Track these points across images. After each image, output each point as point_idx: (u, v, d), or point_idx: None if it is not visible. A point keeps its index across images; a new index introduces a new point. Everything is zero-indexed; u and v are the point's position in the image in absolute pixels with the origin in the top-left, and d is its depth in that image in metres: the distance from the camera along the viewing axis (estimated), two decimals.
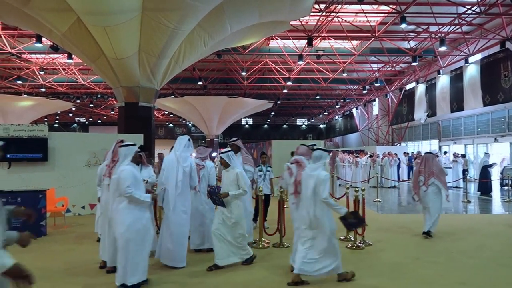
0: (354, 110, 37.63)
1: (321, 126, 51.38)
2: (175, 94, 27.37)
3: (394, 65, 22.81)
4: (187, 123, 43.62)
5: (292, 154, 6.39)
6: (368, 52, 20.11)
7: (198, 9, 9.08)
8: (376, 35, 16.92)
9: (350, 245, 6.17)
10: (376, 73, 24.34)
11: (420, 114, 23.25)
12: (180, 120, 40.03)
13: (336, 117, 44.76)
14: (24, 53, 19.79)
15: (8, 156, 8.56)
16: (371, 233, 6.79)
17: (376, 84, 25.34)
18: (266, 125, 49.28)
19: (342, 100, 32.44)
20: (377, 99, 32.29)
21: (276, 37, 18.11)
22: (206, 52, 11.91)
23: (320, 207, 4.33)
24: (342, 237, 6.74)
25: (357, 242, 6.20)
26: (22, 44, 18.45)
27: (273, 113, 41.93)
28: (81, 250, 6.07)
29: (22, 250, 2.30)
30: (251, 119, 46.83)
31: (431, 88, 21.96)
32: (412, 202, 10.42)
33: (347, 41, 18.87)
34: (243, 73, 22.88)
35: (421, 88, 23.19)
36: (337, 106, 35.89)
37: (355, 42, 19.59)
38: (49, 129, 9.13)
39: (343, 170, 17.91)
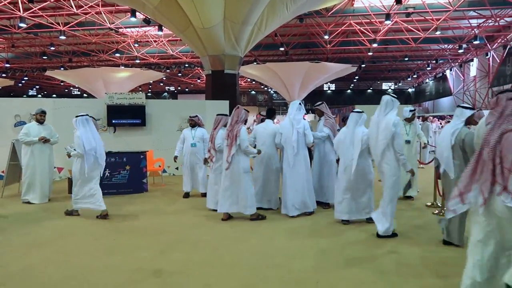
0: (447, 72, 34.58)
1: (409, 90, 48.21)
2: (257, 61, 27.66)
3: (498, 19, 20.28)
4: (269, 90, 44.04)
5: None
6: (466, 6, 18.13)
7: None
8: None
9: (437, 212, 5.98)
10: (475, 29, 21.92)
11: None
12: (262, 87, 40.54)
13: (427, 80, 41.54)
14: (121, 28, 21.44)
15: (114, 121, 9.63)
16: None
17: (475, 42, 22.85)
18: (349, 90, 47.68)
19: (434, 62, 29.94)
20: (475, 59, 29.20)
21: None
22: (288, 17, 11.84)
23: None
24: (428, 203, 6.55)
25: (444, 209, 5.98)
26: (119, 19, 19.99)
27: (357, 77, 40.29)
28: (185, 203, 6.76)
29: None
30: (334, 84, 45.57)
31: None
32: None
33: None
34: (326, 37, 22.22)
35: None
36: (428, 68, 33.27)
37: None
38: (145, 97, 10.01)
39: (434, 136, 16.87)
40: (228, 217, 5.70)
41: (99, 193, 5.82)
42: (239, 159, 5.51)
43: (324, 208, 6.31)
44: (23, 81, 36.96)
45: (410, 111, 7.04)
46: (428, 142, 9.11)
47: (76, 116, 5.87)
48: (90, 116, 6.26)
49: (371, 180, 5.38)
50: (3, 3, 16.54)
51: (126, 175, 7.63)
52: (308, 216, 5.85)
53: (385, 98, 4.79)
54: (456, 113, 4.32)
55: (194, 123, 7.44)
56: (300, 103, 5.97)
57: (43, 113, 7.04)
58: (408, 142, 6.89)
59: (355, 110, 5.52)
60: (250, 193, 5.59)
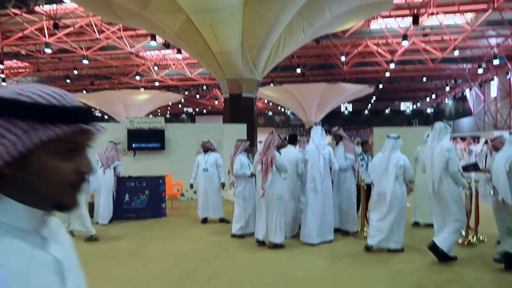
0: (467, 92, 34.08)
1: (428, 110, 47.57)
2: (274, 82, 27.86)
3: None
4: (286, 111, 44.15)
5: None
6: (485, 25, 17.96)
7: None
8: (496, 5, 15.03)
9: (461, 241, 5.77)
10: (494, 48, 21.65)
11: None
12: (279, 108, 40.69)
13: (446, 100, 41.00)
14: (141, 51, 22.00)
15: (134, 145, 9.75)
16: (485, 229, 6.23)
17: (495, 62, 22.53)
18: (367, 111, 47.34)
19: (453, 81, 29.59)
20: (495, 79, 28.73)
21: (378, 17, 17.23)
22: (305, 40, 11.94)
23: None
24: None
25: (469, 237, 5.78)
26: (139, 43, 20.53)
27: (374, 98, 40.07)
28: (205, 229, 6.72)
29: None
30: (351, 104, 45.39)
31: None
32: None
33: (459, 15, 17.11)
34: (343, 58, 22.28)
35: None
36: (447, 88, 32.87)
37: (468, 16, 17.66)
38: (164, 121, 10.15)
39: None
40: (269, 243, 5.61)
41: (87, 216, 6.04)
42: (273, 185, 5.46)
43: (343, 236, 6.17)
44: None
45: (429, 135, 6.86)
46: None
47: None
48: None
49: (405, 207, 5.31)
50: (30, 30, 17.22)
51: (145, 200, 7.66)
52: (328, 243, 5.72)
53: (438, 125, 4.98)
54: (509, 140, 4.51)
55: (206, 148, 7.46)
56: (321, 129, 6.03)
57: None
58: None
59: (391, 135, 5.47)
60: (281, 221, 5.52)
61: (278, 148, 5.75)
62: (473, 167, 7.69)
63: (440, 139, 4.85)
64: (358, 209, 6.96)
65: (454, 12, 16.94)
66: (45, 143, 0.72)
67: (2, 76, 23.98)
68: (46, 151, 0.73)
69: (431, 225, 6.80)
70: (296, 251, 5.40)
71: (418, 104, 45.77)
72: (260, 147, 5.88)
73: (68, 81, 27.45)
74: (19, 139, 0.70)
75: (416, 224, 6.93)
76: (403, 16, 17.04)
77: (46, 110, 0.72)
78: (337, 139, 6.54)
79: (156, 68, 24.77)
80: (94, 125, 0.78)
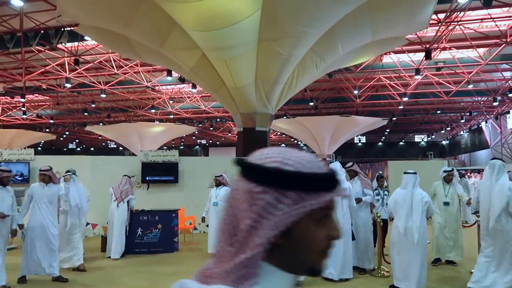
0: (483, 124, 33.71)
1: (443, 142, 47.10)
2: (287, 115, 28.08)
3: None
4: (299, 143, 44.20)
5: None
6: (499, 59, 18.00)
7: (310, 35, 9.33)
8: (508, 40, 15.10)
9: None
10: (509, 81, 21.57)
11: None
12: (292, 139, 40.78)
13: (461, 132, 40.56)
14: (157, 85, 22.57)
15: (147, 178, 9.83)
16: None
17: (510, 95, 22.41)
18: (380, 143, 47.10)
19: (468, 114, 29.37)
20: (511, 111, 28.46)
21: (390, 52, 17.43)
22: (318, 75, 12.09)
23: None
24: (473, 270, 6.11)
25: None
26: (155, 78, 21.10)
27: (388, 130, 39.93)
28: None
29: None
30: (364, 136, 45.27)
31: None
32: None
33: (471, 49, 17.22)
34: (355, 91, 22.44)
35: None
36: (462, 121, 32.60)
37: (481, 50, 17.75)
38: (179, 154, 10.25)
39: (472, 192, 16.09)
40: None
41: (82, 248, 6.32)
42: None
43: (360, 274, 6.00)
44: (64, 136, 38.94)
45: (445, 171, 6.75)
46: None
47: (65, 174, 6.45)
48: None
49: (426, 244, 5.30)
50: (51, 65, 17.90)
51: (157, 234, 7.64)
52: (347, 281, 5.59)
53: (496, 163, 5.02)
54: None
55: (219, 182, 7.48)
56: (340, 165, 6.19)
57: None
58: (446, 204, 6.58)
59: (409, 171, 5.46)
60: None
61: None
62: None
63: (499, 177, 4.92)
64: (374, 245, 6.81)
65: (466, 48, 17.09)
66: (310, 212, 0.73)
67: (23, 109, 24.74)
68: (308, 219, 0.74)
69: (450, 262, 6.60)
70: None
71: (433, 136, 45.36)
72: None
73: (85, 114, 28.16)
74: (290, 209, 0.72)
75: (436, 261, 6.72)
76: (415, 51, 17.22)
77: (312, 179, 0.73)
78: (352, 174, 6.49)
79: (171, 101, 25.30)
80: (339, 188, 0.78)
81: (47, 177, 6.08)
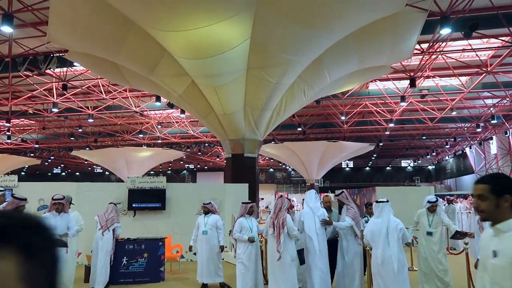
0: (467, 150, 34.34)
1: (429, 167, 47.72)
2: (275, 140, 28.22)
3: None
4: (287, 168, 44.25)
5: None
6: (480, 88, 18.53)
7: (298, 63, 9.52)
8: (489, 69, 15.62)
9: None
10: (491, 109, 22.17)
11: None
12: (281, 164, 40.83)
13: (447, 158, 41.23)
14: (146, 110, 22.55)
15: (134, 205, 9.67)
16: None
17: (493, 121, 23.00)
18: (368, 168, 47.48)
19: (453, 140, 29.94)
20: (494, 137, 29.12)
21: (376, 80, 17.84)
22: (306, 101, 12.27)
23: None
24: None
25: None
26: (144, 103, 21.10)
27: (375, 155, 40.38)
28: None
29: None
30: (352, 161, 45.64)
31: None
32: None
33: (454, 78, 17.74)
34: (343, 117, 22.75)
35: None
36: (447, 146, 33.20)
37: (463, 78, 18.29)
38: (166, 179, 10.14)
39: (459, 218, 16.19)
40: None
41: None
42: (287, 247, 5.59)
43: None
44: (49, 160, 38.31)
45: (429, 202, 6.71)
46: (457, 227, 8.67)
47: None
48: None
49: (407, 272, 5.29)
50: (39, 90, 17.80)
51: (143, 263, 7.45)
52: None
53: None
54: None
55: (207, 210, 7.35)
56: (315, 192, 6.22)
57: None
58: (429, 234, 6.57)
59: (381, 200, 5.51)
60: (296, 283, 5.61)
61: (288, 210, 5.95)
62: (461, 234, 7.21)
63: None
64: (364, 273, 6.75)
65: (449, 76, 17.60)
66: None
67: (8, 133, 24.38)
68: None
69: None
70: None
71: (419, 161, 45.96)
72: (270, 211, 6.05)
73: (72, 138, 27.87)
74: None
75: None
76: (400, 79, 17.66)
77: None
78: (340, 203, 6.52)
79: (159, 126, 25.26)
80: None
81: (61, 206, 5.99)
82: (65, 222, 5.97)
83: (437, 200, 6.76)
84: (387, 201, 5.43)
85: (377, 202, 5.51)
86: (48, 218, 5.74)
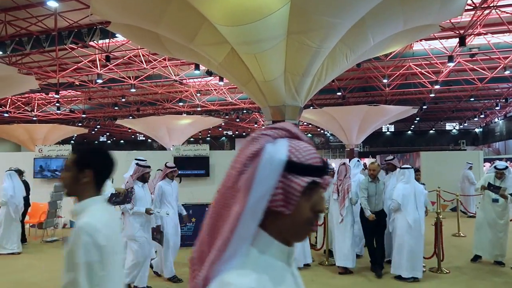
0: None
1: (476, 130, 45.50)
2: (314, 105, 27.86)
3: None
4: (326, 133, 43.80)
5: None
6: None
7: (340, 26, 9.19)
8: None
9: None
10: None
11: None
12: (319, 130, 40.48)
13: (496, 120, 39.08)
14: (185, 79, 22.84)
15: (180, 172, 10.02)
16: None
17: None
18: (410, 131, 45.98)
19: (504, 100, 28.25)
20: None
21: (422, 39, 16.92)
22: (347, 66, 11.92)
23: None
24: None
25: None
26: (183, 72, 21.35)
27: (418, 118, 38.92)
28: None
29: None
30: (393, 125, 44.29)
31: None
32: None
33: (508, 34, 16.49)
34: (384, 80, 21.97)
35: None
36: (497, 108, 31.40)
37: None
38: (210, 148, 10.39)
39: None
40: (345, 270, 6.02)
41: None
42: (348, 212, 5.98)
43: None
44: (95, 129, 40.11)
45: (496, 167, 6.39)
46: None
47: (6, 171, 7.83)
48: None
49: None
50: (83, 62, 18.42)
51: (191, 228, 7.81)
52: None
53: None
54: None
55: None
56: (358, 160, 7.06)
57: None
58: (495, 200, 6.35)
59: (406, 166, 5.90)
60: (353, 244, 6.03)
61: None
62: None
63: None
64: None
65: (503, 32, 16.38)
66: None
67: (57, 104, 25.63)
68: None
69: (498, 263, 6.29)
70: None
71: (465, 124, 43.91)
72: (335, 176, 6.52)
73: (116, 108, 28.89)
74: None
75: (476, 259, 6.55)
76: (448, 37, 16.66)
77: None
78: (391, 168, 6.51)
79: (198, 94, 25.57)
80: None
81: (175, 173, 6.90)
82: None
83: (506, 167, 6.46)
84: (412, 167, 5.86)
85: (401, 168, 5.88)
86: (161, 187, 6.52)
